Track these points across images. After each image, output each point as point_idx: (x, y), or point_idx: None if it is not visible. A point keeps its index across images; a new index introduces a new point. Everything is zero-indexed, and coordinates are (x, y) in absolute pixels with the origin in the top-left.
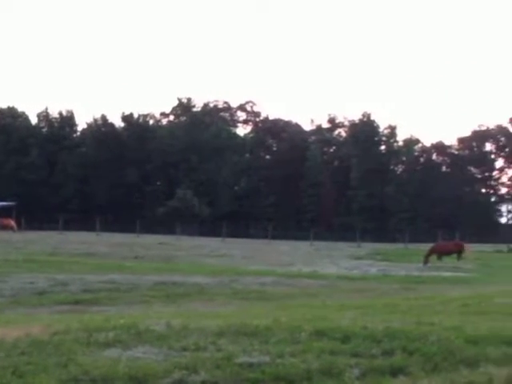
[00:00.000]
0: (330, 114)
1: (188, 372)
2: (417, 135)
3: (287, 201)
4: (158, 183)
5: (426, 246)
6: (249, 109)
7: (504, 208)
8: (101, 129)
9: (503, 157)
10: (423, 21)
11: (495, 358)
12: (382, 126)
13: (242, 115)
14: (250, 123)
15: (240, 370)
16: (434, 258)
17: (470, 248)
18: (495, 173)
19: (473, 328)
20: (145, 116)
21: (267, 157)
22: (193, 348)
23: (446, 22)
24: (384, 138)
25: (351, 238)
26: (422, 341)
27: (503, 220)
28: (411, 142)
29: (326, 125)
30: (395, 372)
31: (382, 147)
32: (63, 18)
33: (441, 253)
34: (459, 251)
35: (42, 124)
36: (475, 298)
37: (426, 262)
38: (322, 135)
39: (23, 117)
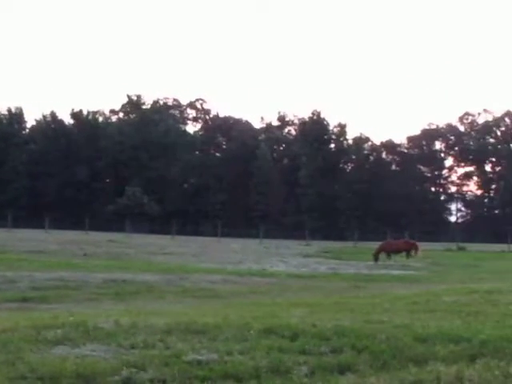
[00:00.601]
0: (279, 112)
1: (136, 370)
2: (366, 134)
3: (237, 199)
4: (108, 180)
5: (376, 244)
6: (199, 106)
7: (453, 206)
8: (50, 126)
9: (453, 155)
10: (371, 18)
11: (443, 356)
12: (332, 124)
13: (191, 113)
14: (200, 121)
15: (188, 368)
16: (383, 256)
17: (420, 246)
18: (445, 171)
19: (421, 326)
20: (94, 113)
21: (217, 154)
22: (141, 346)
23: (393, 20)
24: (334, 137)
25: (301, 236)
26: (370, 339)
27: (452, 218)
28: (361, 141)
29: (275, 123)
30: (343, 370)
31: (332, 145)
32: (7, 14)
33: (390, 251)
34: (408, 249)
35: None
36: (424, 296)
37: (375, 260)
38: (271, 133)
39: None
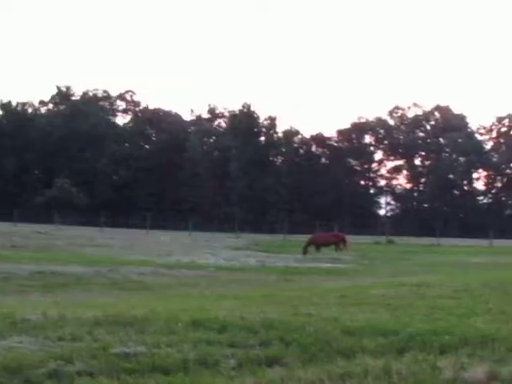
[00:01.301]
0: (209, 105)
1: (64, 362)
2: (296, 127)
3: (166, 191)
4: (37, 172)
5: (305, 237)
6: (128, 98)
7: (383, 200)
8: None
9: (382, 149)
10: (298, 9)
11: (371, 349)
12: (262, 117)
13: (121, 104)
14: (130, 113)
15: (116, 360)
16: (312, 249)
17: (348, 239)
18: (374, 165)
19: (350, 319)
20: (23, 104)
21: (147, 146)
22: (69, 338)
23: (323, 11)
24: (264, 129)
25: (230, 229)
26: (298, 331)
27: (382, 212)
28: (291, 134)
29: (205, 115)
30: (271, 362)
31: (262, 138)
32: None
33: (319, 244)
34: (337, 242)
35: None
36: (353, 290)
37: (304, 253)
38: (201, 125)
39: None
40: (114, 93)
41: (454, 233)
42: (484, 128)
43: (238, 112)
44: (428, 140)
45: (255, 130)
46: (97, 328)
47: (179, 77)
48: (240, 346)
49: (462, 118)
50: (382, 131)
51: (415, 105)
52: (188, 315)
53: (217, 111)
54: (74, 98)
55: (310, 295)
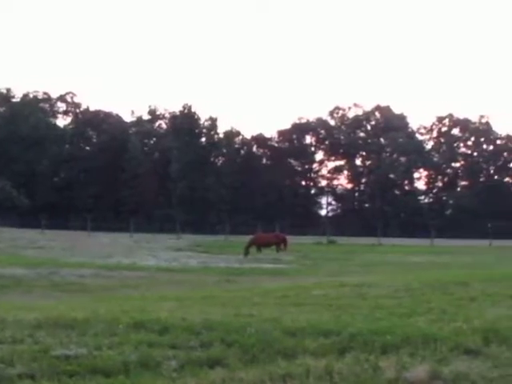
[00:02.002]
0: (150, 106)
1: (4, 365)
2: (237, 127)
3: (107, 192)
4: None
5: (247, 238)
6: (69, 100)
7: (324, 200)
8: None
9: (323, 149)
10: (236, 11)
11: (313, 350)
12: (203, 118)
13: (62, 106)
14: (70, 114)
15: (57, 363)
16: (254, 250)
17: (288, 240)
18: (315, 165)
19: (291, 319)
20: None
21: (87, 148)
22: (9, 341)
23: (262, 13)
24: (205, 130)
25: (172, 230)
26: (240, 332)
27: (323, 212)
28: (232, 134)
29: (146, 116)
30: (213, 364)
31: (203, 139)
32: None
33: (260, 244)
34: (278, 243)
35: None
36: (294, 290)
37: (246, 253)
38: (142, 127)
39: None
40: (54, 94)
41: (395, 232)
42: (424, 128)
43: (178, 113)
44: (369, 140)
45: (196, 130)
46: (38, 330)
47: (120, 78)
48: (181, 348)
49: (402, 117)
50: (322, 131)
51: (356, 105)
52: (129, 317)
53: (157, 112)
54: (14, 100)
55: (252, 296)
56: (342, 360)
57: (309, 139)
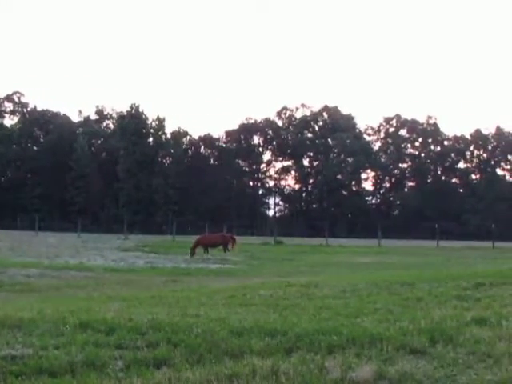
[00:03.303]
0: (98, 106)
1: None
2: (185, 128)
3: (54, 192)
4: None
5: (194, 238)
6: (16, 100)
7: (271, 201)
8: None
9: (271, 150)
10: (187, 12)
11: (259, 350)
12: (151, 118)
13: (8, 106)
14: (18, 114)
15: (2, 363)
16: (201, 250)
17: (236, 240)
18: (263, 166)
19: (238, 319)
20: None
21: (34, 148)
22: None
23: (211, 16)
24: (152, 131)
25: (119, 230)
26: (186, 333)
27: (271, 212)
28: (179, 135)
29: (94, 116)
30: (159, 364)
31: (150, 139)
32: None
33: (207, 245)
34: (225, 243)
35: None
36: (241, 290)
37: (192, 254)
38: (89, 127)
39: None
40: (1, 94)
41: (342, 233)
42: (372, 128)
43: (125, 113)
44: (316, 141)
45: (143, 130)
46: None
47: (67, 77)
48: (128, 348)
49: (350, 118)
50: (270, 132)
51: (303, 105)
52: (76, 317)
53: (105, 112)
54: None
55: (199, 296)
56: (289, 360)
57: (256, 140)
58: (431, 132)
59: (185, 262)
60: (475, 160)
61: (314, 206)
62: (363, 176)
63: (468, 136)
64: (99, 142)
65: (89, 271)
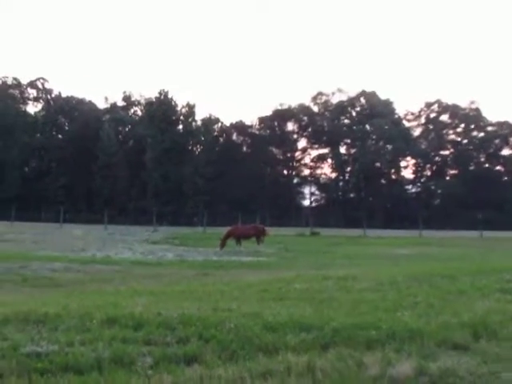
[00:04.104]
0: (125, 92)
1: None
2: (216, 114)
3: (80, 183)
4: None
5: (225, 230)
6: (40, 86)
7: (306, 190)
8: None
9: (306, 137)
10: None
11: (294, 346)
12: (180, 104)
13: (32, 92)
14: (41, 101)
15: (27, 360)
16: (233, 242)
17: (268, 231)
18: (297, 153)
19: (271, 314)
20: None
21: (59, 136)
22: None
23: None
24: (182, 117)
25: (147, 222)
26: (218, 328)
27: (306, 202)
28: (210, 122)
29: (120, 103)
30: (190, 360)
31: (180, 127)
32: None
33: (238, 236)
34: (258, 235)
35: None
36: (275, 284)
37: (222, 246)
38: (116, 114)
39: None
40: (24, 80)
41: (380, 224)
42: (412, 114)
43: (154, 99)
44: (353, 127)
45: (172, 117)
46: (6, 326)
47: (93, 63)
48: (157, 344)
49: (388, 103)
50: (305, 118)
51: (339, 90)
52: (102, 312)
53: (132, 99)
54: None
55: (230, 290)
56: (325, 356)
57: (291, 126)
58: (473, 117)
59: (216, 255)
60: None
61: (351, 195)
62: (402, 164)
63: None
64: (126, 129)
65: (116, 265)
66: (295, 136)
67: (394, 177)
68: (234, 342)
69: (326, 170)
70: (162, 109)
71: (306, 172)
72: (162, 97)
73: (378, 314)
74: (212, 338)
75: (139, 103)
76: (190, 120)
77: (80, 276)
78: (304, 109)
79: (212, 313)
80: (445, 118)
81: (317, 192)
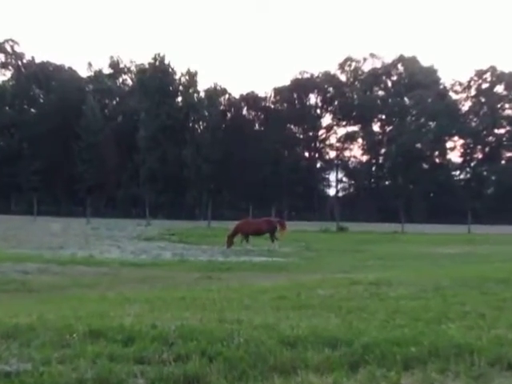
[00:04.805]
0: (112, 57)
1: None
2: (223, 84)
3: (58, 167)
4: None
5: (233, 224)
6: (8, 49)
7: (332, 176)
8: None
9: (331, 112)
10: None
11: (317, 364)
12: (179, 72)
13: None
14: (10, 68)
15: None
16: (240, 239)
17: (287, 226)
18: (321, 132)
19: (290, 326)
20: None
21: (32, 110)
22: None
23: None
24: (181, 88)
25: (139, 215)
26: (225, 343)
27: (331, 191)
28: (215, 93)
29: (107, 70)
30: (191, 382)
31: (179, 99)
32: None
33: (248, 232)
34: (272, 230)
35: None
36: (294, 289)
37: (229, 244)
38: (102, 83)
39: None
40: None
41: (421, 217)
42: (460, 84)
43: (147, 66)
44: (389, 100)
45: (170, 88)
46: None
47: (74, 21)
48: (151, 362)
49: (431, 71)
50: (330, 89)
51: (372, 56)
52: (85, 324)
53: (121, 65)
54: None
55: (240, 297)
56: (354, 377)
57: (313, 99)
58: None
59: (222, 255)
60: None
61: (386, 182)
62: (449, 145)
63: None
64: (114, 102)
65: (101, 266)
66: (318, 111)
67: (438, 160)
68: (243, 360)
69: (356, 152)
70: (157, 77)
71: (332, 154)
72: (158, 63)
73: (419, 326)
74: (217, 356)
75: (129, 71)
76: (191, 91)
77: (58, 279)
78: (329, 78)
79: (218, 325)
80: (500, 89)
81: (344, 179)
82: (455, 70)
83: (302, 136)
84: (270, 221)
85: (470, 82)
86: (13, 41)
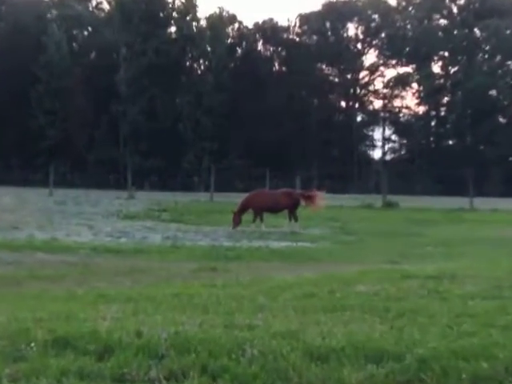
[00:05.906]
0: None
1: None
2: (231, 10)
3: (10, 122)
4: None
5: (242, 197)
6: None
7: (378, 134)
8: None
9: (376, 47)
10: None
11: None
12: None
13: None
14: None
15: None
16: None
17: (318, 198)
18: (363, 74)
19: (319, 334)
20: None
21: None
22: None
23: None
24: (175, 15)
25: (118, 184)
26: (233, 356)
27: (377, 154)
28: (221, 22)
29: None
30: None
31: (172, 30)
32: None
33: (262, 208)
34: (293, 205)
35: None
36: (325, 285)
37: (235, 223)
38: (69, 8)
39: None
40: None
41: (496, 190)
42: None
43: None
44: (454, 32)
45: (160, 14)
46: None
47: None
48: (135, 381)
49: None
50: (375, 17)
51: None
52: (47, 329)
53: None
54: None
55: (253, 294)
56: None
57: (352, 30)
58: None
59: (230, 238)
60: None
61: (449, 142)
62: None
63: None
64: (85, 33)
65: (68, 253)
66: (359, 46)
67: None
68: (257, 379)
69: (410, 102)
70: (143, 1)
71: (377, 104)
72: None
73: (492, 334)
74: (223, 372)
75: None
76: (188, 19)
77: (10, 271)
78: (374, 2)
79: (223, 331)
80: None
81: (394, 137)
82: None
83: (336, 79)
84: (291, 193)
85: None
86: None
